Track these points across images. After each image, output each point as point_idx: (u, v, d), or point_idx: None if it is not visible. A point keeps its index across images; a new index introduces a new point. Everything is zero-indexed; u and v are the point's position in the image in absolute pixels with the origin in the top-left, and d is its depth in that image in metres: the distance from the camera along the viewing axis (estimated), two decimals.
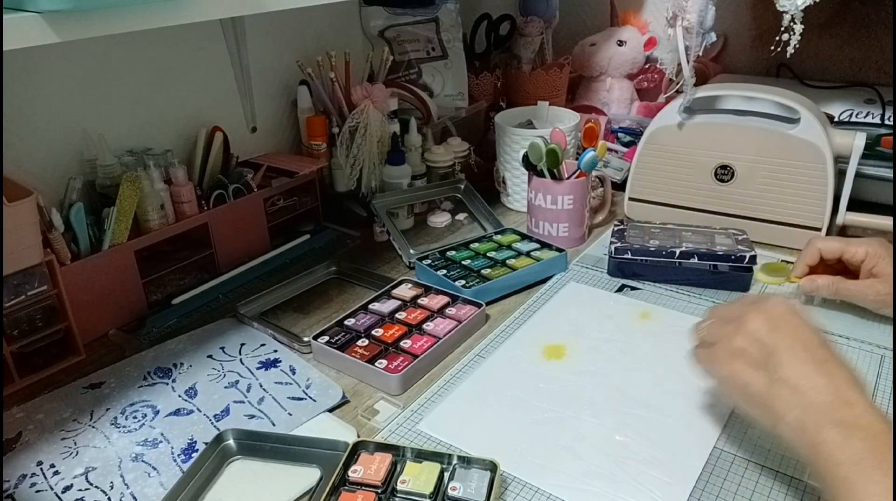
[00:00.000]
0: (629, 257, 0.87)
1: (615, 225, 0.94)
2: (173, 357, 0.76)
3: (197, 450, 0.62)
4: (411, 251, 0.96)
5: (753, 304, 0.55)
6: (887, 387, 0.67)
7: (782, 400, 0.49)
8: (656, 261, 0.86)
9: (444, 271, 0.87)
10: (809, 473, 0.57)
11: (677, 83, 0.98)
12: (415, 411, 0.67)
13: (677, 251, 0.85)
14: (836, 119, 1.08)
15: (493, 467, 0.56)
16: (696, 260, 0.84)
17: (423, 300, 0.82)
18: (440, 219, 1.07)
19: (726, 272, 0.84)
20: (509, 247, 0.94)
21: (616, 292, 0.86)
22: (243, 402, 0.68)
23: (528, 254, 0.92)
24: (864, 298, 0.74)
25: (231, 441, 0.62)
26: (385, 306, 0.80)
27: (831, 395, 0.47)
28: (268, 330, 0.79)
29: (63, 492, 0.58)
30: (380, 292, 0.84)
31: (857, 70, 1.25)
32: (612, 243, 0.89)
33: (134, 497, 0.57)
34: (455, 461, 0.57)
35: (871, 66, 1.23)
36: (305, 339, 0.76)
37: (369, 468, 0.56)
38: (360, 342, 0.74)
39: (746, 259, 0.83)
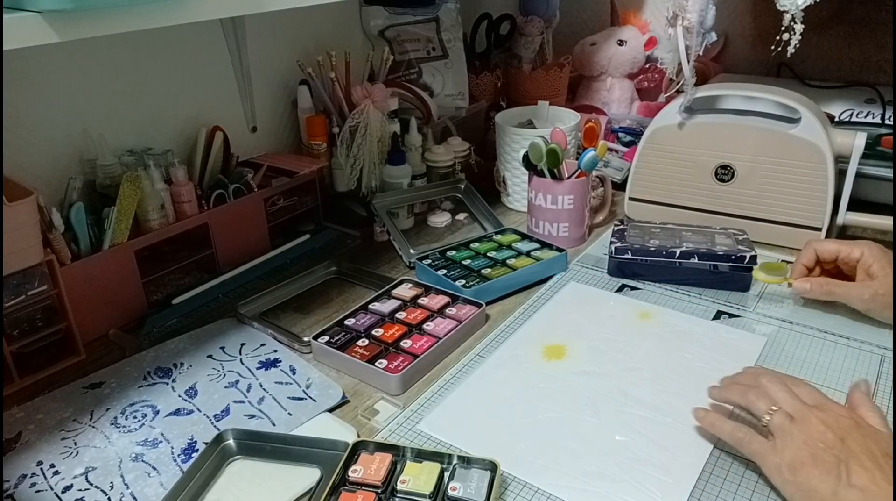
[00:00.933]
0: (629, 256, 0.87)
1: (615, 225, 0.94)
2: (173, 357, 0.76)
3: (197, 450, 0.62)
4: (411, 251, 0.96)
5: (816, 407, 0.55)
6: (887, 387, 0.67)
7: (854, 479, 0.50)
8: (656, 261, 0.86)
9: (444, 271, 0.87)
10: None
11: (677, 83, 0.98)
12: (415, 411, 0.67)
13: (677, 251, 0.85)
14: (836, 119, 1.08)
15: (493, 467, 0.56)
16: (696, 260, 0.84)
17: (424, 300, 0.82)
18: (440, 219, 1.07)
19: (726, 272, 0.84)
20: (509, 247, 0.94)
21: (616, 292, 0.86)
22: (243, 402, 0.68)
23: (528, 254, 0.92)
24: (861, 296, 0.74)
25: (231, 441, 0.62)
26: (385, 306, 0.80)
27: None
28: (268, 330, 0.79)
29: (63, 492, 0.58)
30: (380, 292, 0.84)
31: (857, 70, 1.25)
32: (612, 242, 0.89)
33: (134, 497, 0.57)
34: (455, 461, 0.57)
35: (871, 66, 1.23)
36: (305, 339, 0.76)
37: (369, 468, 0.56)
38: (360, 342, 0.74)
39: (746, 259, 0.83)
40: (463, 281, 0.85)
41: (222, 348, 0.77)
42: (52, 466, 0.61)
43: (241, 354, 0.76)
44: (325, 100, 1.06)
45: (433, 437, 0.63)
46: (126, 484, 0.59)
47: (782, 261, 0.86)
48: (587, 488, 0.57)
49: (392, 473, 0.57)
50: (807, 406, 0.55)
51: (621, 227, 0.93)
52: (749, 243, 0.86)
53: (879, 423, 0.55)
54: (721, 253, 0.84)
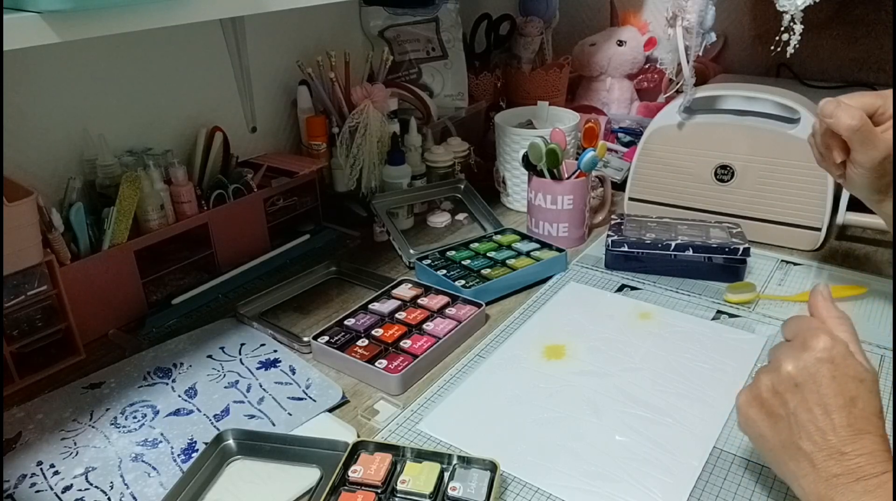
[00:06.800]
0: (626, 249, 0.88)
1: (612, 219, 0.95)
2: (173, 357, 0.76)
3: (197, 450, 0.62)
4: (411, 251, 0.96)
5: (791, 348, 0.50)
6: (887, 387, 0.67)
7: (797, 464, 0.48)
8: (652, 254, 0.87)
9: (444, 271, 0.87)
10: None
11: (677, 83, 0.98)
12: (415, 411, 0.67)
13: (672, 244, 0.86)
14: None
15: (493, 467, 0.56)
16: (690, 253, 0.86)
17: (423, 300, 0.82)
18: (440, 219, 1.07)
19: (720, 264, 0.86)
20: (509, 247, 0.94)
21: (616, 292, 0.86)
22: (243, 402, 0.68)
23: (528, 254, 0.92)
24: (887, 143, 0.65)
25: (231, 441, 0.62)
26: (385, 307, 0.80)
27: (843, 468, 0.46)
28: (268, 330, 0.79)
29: (63, 492, 0.58)
30: (380, 292, 0.84)
31: (857, 70, 1.25)
32: (608, 236, 0.90)
33: (134, 497, 0.57)
34: (455, 461, 0.57)
35: (871, 66, 1.23)
36: (305, 339, 0.76)
37: (369, 468, 0.56)
38: (360, 342, 0.74)
39: (740, 251, 0.85)
40: (463, 281, 0.85)
41: (222, 348, 0.77)
42: (52, 466, 0.61)
43: (240, 354, 0.76)
44: (325, 100, 1.06)
45: (433, 437, 0.63)
46: (126, 484, 0.59)
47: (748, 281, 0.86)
48: (587, 488, 0.57)
49: (392, 473, 0.57)
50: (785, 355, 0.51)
51: (618, 221, 0.94)
52: (742, 235, 0.88)
53: (850, 338, 0.50)
54: (715, 246, 0.85)
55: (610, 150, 1.21)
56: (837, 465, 0.46)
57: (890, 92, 0.67)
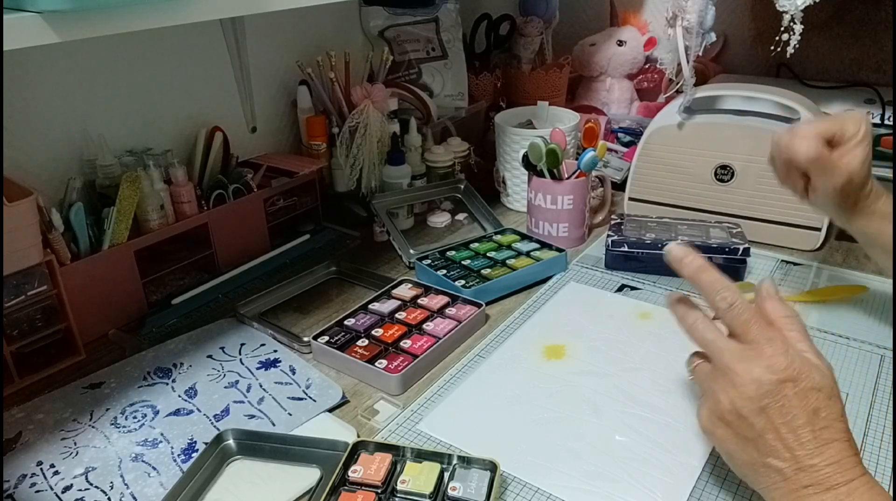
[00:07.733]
0: (626, 249, 0.88)
1: (613, 219, 0.95)
2: (173, 357, 0.76)
3: (197, 450, 0.62)
4: (411, 251, 0.96)
5: (743, 361, 0.49)
6: (887, 387, 0.67)
7: (767, 479, 0.49)
8: (652, 254, 0.87)
9: (444, 271, 0.87)
10: None
11: (677, 83, 0.98)
12: (415, 411, 0.67)
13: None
14: None
15: (493, 467, 0.56)
16: None
17: (423, 300, 0.82)
18: (440, 219, 1.07)
19: (721, 264, 0.85)
20: (509, 247, 0.94)
21: (616, 292, 0.86)
22: (243, 402, 0.68)
23: (528, 254, 0.92)
24: (852, 165, 0.65)
25: (231, 441, 0.62)
26: (385, 307, 0.80)
27: (813, 479, 0.47)
28: (268, 330, 0.79)
29: (63, 492, 0.58)
30: (380, 292, 0.84)
31: (856, 70, 1.25)
32: (608, 236, 0.90)
33: (134, 497, 0.57)
34: (455, 461, 0.57)
35: (870, 66, 1.23)
36: (305, 339, 0.76)
37: (369, 468, 0.56)
38: (360, 342, 0.74)
39: (740, 251, 0.85)
40: (463, 281, 0.85)
41: (222, 348, 0.77)
42: (52, 466, 0.61)
43: (240, 354, 0.76)
44: (325, 100, 1.06)
45: (433, 437, 0.63)
46: (126, 484, 0.59)
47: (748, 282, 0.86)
48: (587, 488, 0.57)
49: (392, 473, 0.57)
50: (735, 358, 0.50)
51: (618, 221, 0.94)
52: (742, 235, 0.88)
53: (799, 337, 0.50)
54: (715, 246, 0.86)
55: (610, 150, 1.21)
56: (807, 477, 0.47)
57: (845, 114, 0.67)
